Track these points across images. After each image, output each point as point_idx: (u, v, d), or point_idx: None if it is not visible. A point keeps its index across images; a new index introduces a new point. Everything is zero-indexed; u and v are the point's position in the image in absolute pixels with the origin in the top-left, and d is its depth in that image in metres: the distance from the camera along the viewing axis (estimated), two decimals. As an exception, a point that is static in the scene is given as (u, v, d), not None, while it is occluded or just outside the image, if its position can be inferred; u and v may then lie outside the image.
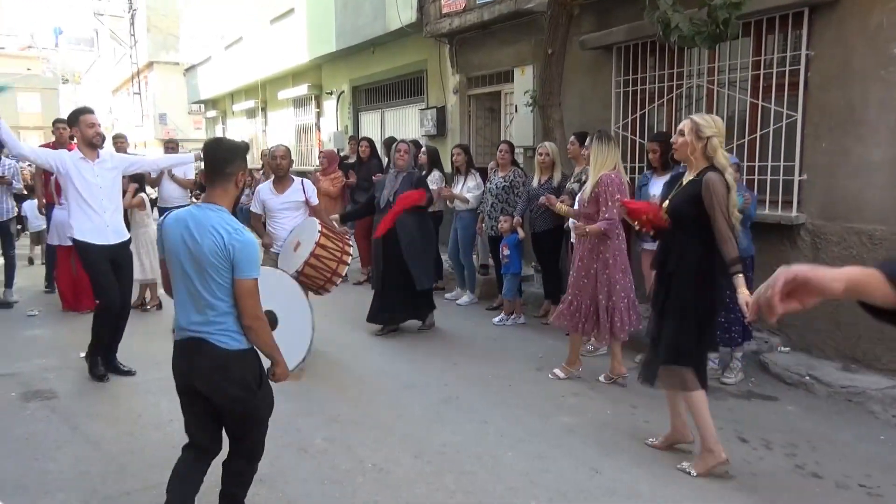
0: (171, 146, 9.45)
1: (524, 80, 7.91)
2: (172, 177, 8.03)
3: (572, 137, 5.99)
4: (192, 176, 8.35)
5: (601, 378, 4.91)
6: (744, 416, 4.30)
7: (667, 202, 3.57)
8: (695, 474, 3.49)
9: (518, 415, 4.31)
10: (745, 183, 5.56)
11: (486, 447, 3.83)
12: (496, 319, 6.56)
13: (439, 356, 5.52)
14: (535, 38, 7.57)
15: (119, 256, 4.98)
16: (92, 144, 4.91)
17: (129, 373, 5.03)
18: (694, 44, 4.92)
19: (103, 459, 3.69)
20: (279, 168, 5.62)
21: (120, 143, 8.80)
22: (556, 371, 5.02)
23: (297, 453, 3.74)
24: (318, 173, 9.03)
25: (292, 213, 5.57)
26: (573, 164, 6.12)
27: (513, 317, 6.52)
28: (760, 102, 5.56)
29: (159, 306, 7.12)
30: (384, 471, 3.56)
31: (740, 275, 3.28)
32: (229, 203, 2.68)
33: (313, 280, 5.05)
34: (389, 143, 8.24)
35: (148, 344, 5.61)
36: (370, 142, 9.00)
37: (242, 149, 2.79)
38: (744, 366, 4.94)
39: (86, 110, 5.08)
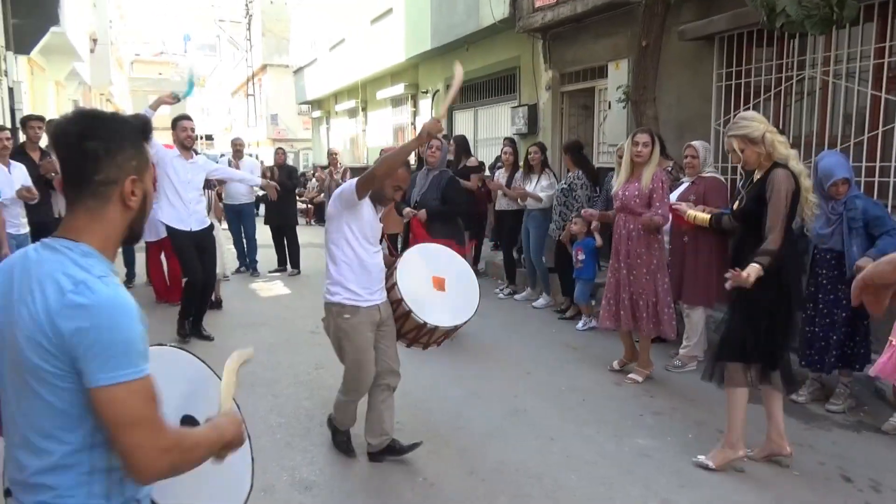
0: (280, 152, 9.89)
1: (619, 75, 7.49)
2: None
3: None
4: (257, 183, 8.52)
5: (629, 376, 4.89)
6: (850, 450, 3.77)
7: (737, 203, 3.50)
8: (712, 466, 3.47)
9: (589, 434, 3.99)
10: (862, 186, 4.97)
11: (548, 468, 3.55)
12: (579, 325, 6.25)
13: (512, 364, 5.27)
14: (632, 31, 7.14)
15: (202, 241, 5.70)
16: (184, 146, 5.66)
17: (209, 338, 5.80)
18: (804, 29, 4.39)
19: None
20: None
21: (238, 146, 9.18)
22: (633, 375, 4.83)
23: (348, 462, 3.61)
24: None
25: None
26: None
27: (591, 318, 6.23)
28: (884, 95, 4.93)
29: (219, 305, 7.17)
30: (435, 486, 3.37)
31: (757, 265, 3.14)
32: (103, 239, 1.34)
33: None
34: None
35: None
36: (460, 140, 8.87)
37: (131, 127, 1.39)
38: (853, 392, 4.36)
39: (183, 117, 5.81)
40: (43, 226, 6.27)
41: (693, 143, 5.10)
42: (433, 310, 3.65)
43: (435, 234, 5.44)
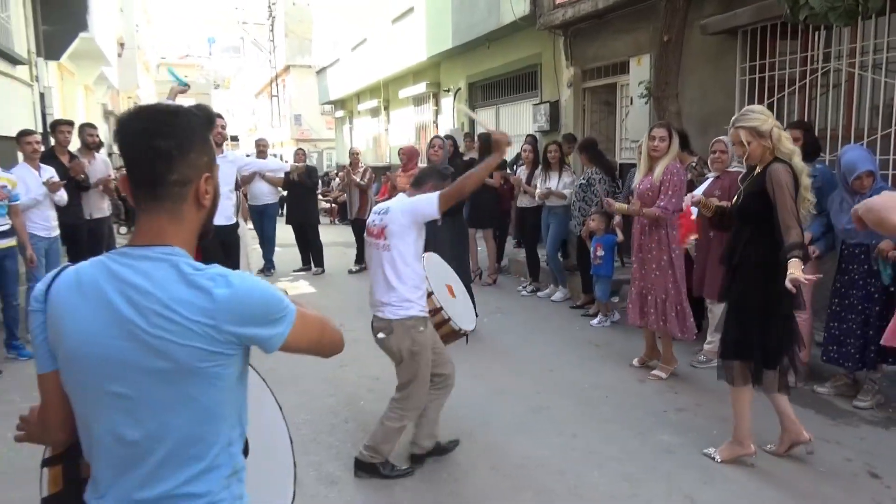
0: (300, 152, 9.94)
1: (641, 71, 7.45)
2: (263, 175, 8.33)
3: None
4: (282, 175, 8.61)
5: (635, 362, 5.07)
6: (878, 447, 3.73)
7: (735, 198, 3.50)
8: (719, 460, 3.52)
9: (612, 430, 4.00)
10: (890, 179, 4.91)
11: (571, 464, 3.57)
12: (594, 322, 6.26)
13: (535, 362, 5.28)
14: (654, 26, 7.09)
15: (228, 237, 5.72)
16: (215, 143, 5.59)
17: None
18: (827, 21, 4.34)
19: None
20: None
21: (262, 147, 9.33)
22: (657, 372, 4.85)
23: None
24: (398, 170, 9.04)
25: None
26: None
27: (608, 317, 6.26)
28: (912, 87, 4.85)
29: None
30: (460, 481, 3.41)
31: (796, 259, 3.03)
32: (184, 241, 1.31)
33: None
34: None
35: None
36: (484, 139, 8.89)
37: (199, 121, 1.34)
38: (882, 388, 4.31)
39: (215, 115, 5.79)
40: (73, 228, 6.43)
41: (721, 137, 5.05)
42: (457, 315, 3.72)
43: (444, 232, 5.54)
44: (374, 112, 18.77)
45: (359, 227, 9.40)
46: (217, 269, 1.25)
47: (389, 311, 3.30)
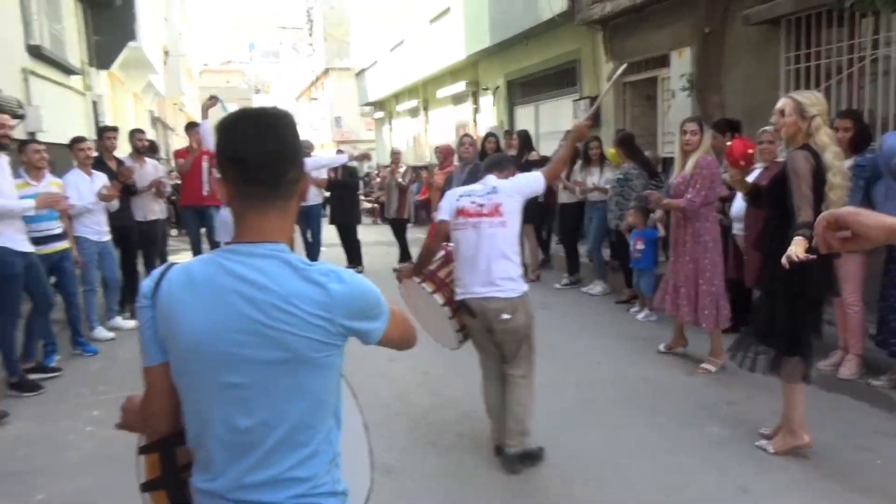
0: (340, 153, 10.04)
1: (682, 64, 7.40)
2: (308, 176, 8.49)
3: (693, 126, 5.47)
4: (325, 175, 8.72)
5: (701, 366, 4.89)
6: (934, 438, 3.68)
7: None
8: (772, 451, 3.51)
9: (661, 422, 4.01)
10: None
11: (620, 455, 3.61)
12: (640, 316, 6.25)
13: (580, 355, 5.32)
14: (694, 18, 7.04)
15: None
16: None
17: None
18: (875, 8, 4.29)
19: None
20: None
21: (307, 151, 9.55)
22: (706, 365, 4.88)
23: (426, 448, 3.76)
24: (435, 168, 9.14)
25: None
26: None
27: (654, 310, 6.22)
28: (965, 71, 4.74)
29: None
30: (510, 472, 3.47)
31: (800, 237, 3.01)
32: (287, 237, 1.39)
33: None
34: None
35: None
36: (523, 135, 8.98)
37: (295, 122, 1.42)
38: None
39: None
40: (124, 230, 6.62)
41: (768, 128, 5.02)
42: None
43: None
44: (414, 112, 18.93)
45: (398, 227, 9.53)
46: (324, 265, 1.35)
47: (510, 289, 3.35)
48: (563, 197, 7.69)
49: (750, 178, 4.97)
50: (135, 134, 7.31)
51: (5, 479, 3.54)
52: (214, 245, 8.07)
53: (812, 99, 3.29)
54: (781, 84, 6.25)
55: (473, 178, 5.99)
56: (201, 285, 1.31)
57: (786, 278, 3.18)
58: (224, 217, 7.53)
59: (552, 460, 3.57)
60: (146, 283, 1.36)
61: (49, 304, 5.14)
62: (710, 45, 6.22)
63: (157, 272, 1.37)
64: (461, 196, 3.50)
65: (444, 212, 3.53)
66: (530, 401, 3.53)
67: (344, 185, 9.26)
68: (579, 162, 7.43)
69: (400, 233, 9.45)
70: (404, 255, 9.29)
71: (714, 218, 4.87)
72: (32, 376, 4.91)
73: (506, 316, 3.35)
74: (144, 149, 7.27)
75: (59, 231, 5.44)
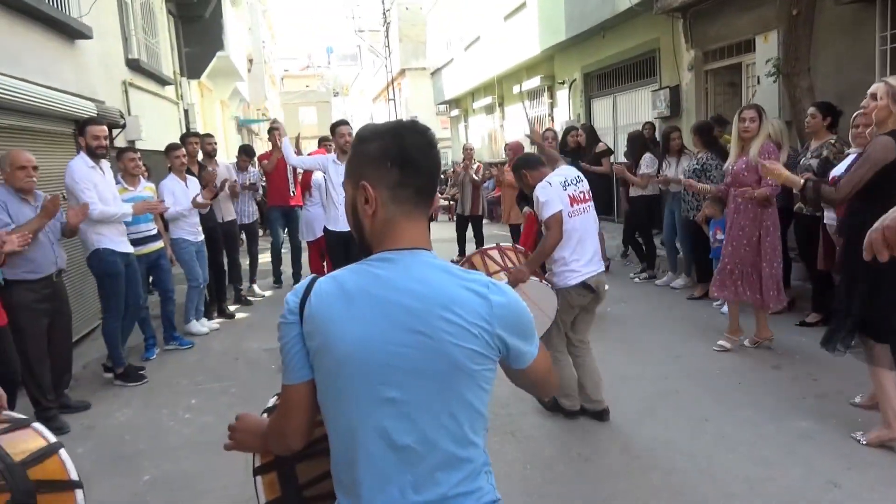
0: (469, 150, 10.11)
1: (768, 48, 7.14)
2: None
3: (813, 109, 5.30)
4: None
5: (746, 342, 5.07)
6: None
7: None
8: (864, 442, 3.45)
9: (745, 415, 3.92)
10: None
11: (701, 447, 3.56)
12: (725, 309, 6.07)
13: (660, 348, 5.24)
14: (779, 0, 6.78)
15: (352, 241, 5.60)
16: (343, 150, 5.90)
17: None
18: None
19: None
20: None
21: None
22: (722, 342, 5.07)
23: (505, 437, 3.82)
24: (505, 165, 9.09)
25: None
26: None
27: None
28: None
29: None
30: (589, 461, 3.49)
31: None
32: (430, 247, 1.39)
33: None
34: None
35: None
36: (588, 129, 8.95)
37: None
38: None
39: (342, 122, 6.15)
40: (211, 231, 6.86)
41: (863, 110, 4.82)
42: None
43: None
44: (489, 109, 18.98)
45: (475, 223, 9.57)
46: (483, 276, 1.33)
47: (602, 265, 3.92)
48: (637, 190, 7.59)
49: (845, 164, 4.78)
50: (204, 139, 7.45)
51: (116, 461, 3.85)
52: (296, 245, 8.37)
53: None
54: (877, 65, 5.94)
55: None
56: (356, 296, 1.26)
57: (866, 263, 3.13)
58: (309, 217, 7.83)
59: (633, 451, 3.56)
60: (291, 299, 1.32)
61: (139, 309, 5.38)
62: (798, 27, 5.97)
63: (301, 286, 1.33)
64: (565, 185, 3.80)
65: (555, 203, 3.73)
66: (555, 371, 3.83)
67: None
68: (648, 156, 7.35)
69: (476, 229, 9.52)
70: (463, 249, 9.37)
71: (774, 202, 4.85)
72: (118, 383, 5.10)
73: (607, 286, 3.93)
74: (214, 152, 7.43)
75: (154, 232, 5.77)
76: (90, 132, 4.91)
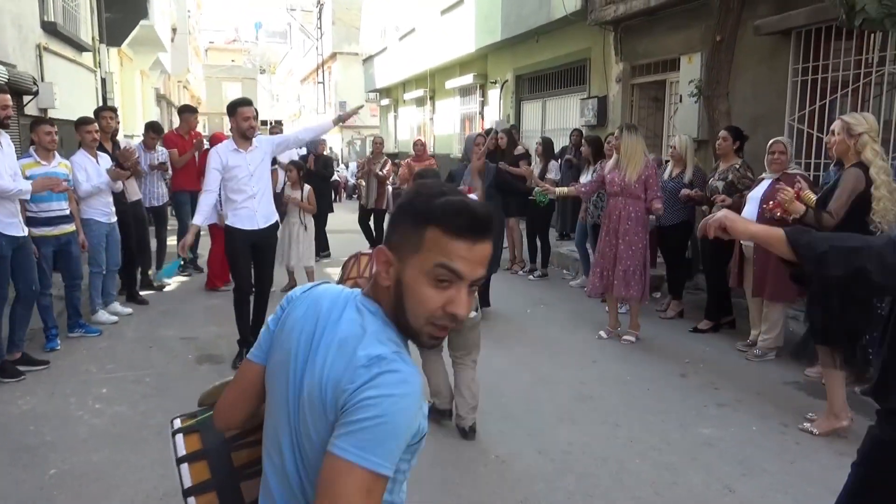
0: (321, 142, 9.88)
1: (691, 69, 7.49)
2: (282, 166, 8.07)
3: (724, 132, 5.61)
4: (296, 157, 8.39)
5: (603, 333, 5.80)
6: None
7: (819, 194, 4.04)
8: (816, 433, 3.85)
9: (653, 421, 4.15)
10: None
11: (613, 451, 3.74)
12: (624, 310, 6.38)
13: (578, 353, 5.45)
14: (706, 24, 7.12)
15: (263, 240, 5.05)
16: (245, 136, 4.90)
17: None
18: (883, 28, 4.40)
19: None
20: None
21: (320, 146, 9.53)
22: (628, 337, 5.68)
23: (426, 438, 3.87)
24: (409, 159, 9.24)
25: None
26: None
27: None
28: (968, 92, 4.84)
29: None
30: (506, 463, 3.60)
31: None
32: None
33: None
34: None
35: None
36: (507, 132, 9.19)
37: None
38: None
39: (243, 102, 5.01)
40: (122, 213, 6.40)
41: (780, 138, 5.11)
42: None
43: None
44: (420, 102, 18.97)
45: (377, 217, 9.49)
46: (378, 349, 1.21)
47: None
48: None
49: (761, 188, 5.08)
50: (101, 113, 6.89)
51: (19, 452, 3.64)
52: (183, 227, 7.64)
53: (859, 119, 3.72)
54: (788, 94, 6.35)
55: (487, 176, 6.14)
56: (311, 313, 1.27)
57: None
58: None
59: (550, 454, 3.70)
60: (297, 288, 1.37)
61: (34, 294, 4.88)
62: (720, 52, 6.30)
63: (310, 284, 1.37)
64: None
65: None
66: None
67: (318, 175, 9.13)
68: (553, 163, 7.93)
69: (378, 223, 9.46)
70: (375, 243, 9.37)
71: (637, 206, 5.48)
72: (22, 368, 4.75)
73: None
74: (115, 132, 7.01)
75: (67, 212, 5.35)
76: None
